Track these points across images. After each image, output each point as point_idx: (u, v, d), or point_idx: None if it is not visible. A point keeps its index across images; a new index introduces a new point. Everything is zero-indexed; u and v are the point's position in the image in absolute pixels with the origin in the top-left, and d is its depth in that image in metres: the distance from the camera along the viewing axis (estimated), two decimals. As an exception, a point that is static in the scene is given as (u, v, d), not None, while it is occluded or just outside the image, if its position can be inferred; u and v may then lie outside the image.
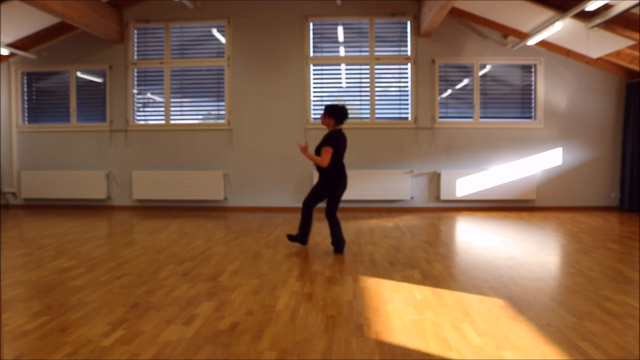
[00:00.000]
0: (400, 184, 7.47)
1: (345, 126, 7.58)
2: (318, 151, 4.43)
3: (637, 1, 4.84)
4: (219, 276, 3.71)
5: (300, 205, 7.65)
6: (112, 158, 7.90)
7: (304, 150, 4.41)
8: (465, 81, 7.59)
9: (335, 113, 4.37)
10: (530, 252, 4.52)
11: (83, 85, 8.01)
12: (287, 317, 2.80)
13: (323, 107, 4.47)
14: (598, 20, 5.56)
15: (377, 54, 7.60)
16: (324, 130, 7.61)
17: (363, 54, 7.63)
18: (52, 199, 8.00)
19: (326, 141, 4.34)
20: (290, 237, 4.75)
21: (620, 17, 5.70)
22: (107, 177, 7.89)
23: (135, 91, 7.91)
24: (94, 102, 7.99)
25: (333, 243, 4.53)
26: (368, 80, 7.61)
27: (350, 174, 7.47)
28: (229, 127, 7.72)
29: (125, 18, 7.81)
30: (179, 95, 7.87)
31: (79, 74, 7.98)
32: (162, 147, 7.82)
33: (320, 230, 5.76)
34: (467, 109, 7.58)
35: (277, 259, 4.27)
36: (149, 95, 7.97)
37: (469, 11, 7.16)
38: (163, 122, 7.86)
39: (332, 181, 4.40)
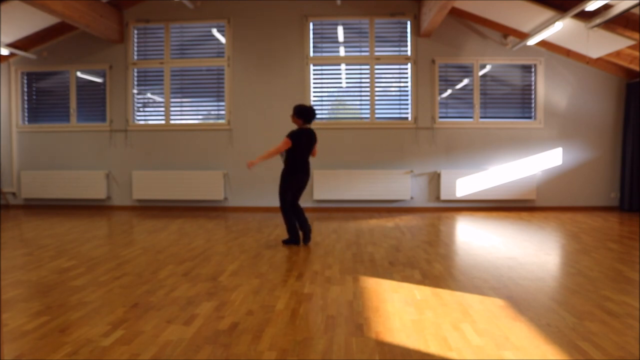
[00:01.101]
0: (400, 184, 7.47)
1: (345, 126, 7.59)
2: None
3: (637, 1, 4.84)
4: (219, 276, 3.71)
5: (301, 205, 7.65)
6: (112, 158, 7.90)
7: (251, 163, 4.65)
8: (465, 81, 7.59)
9: (301, 113, 4.71)
10: (530, 252, 4.52)
11: (83, 85, 8.01)
12: (287, 317, 2.80)
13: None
14: (598, 20, 5.56)
15: (377, 54, 7.60)
16: (323, 130, 7.62)
17: (363, 54, 7.63)
18: (52, 199, 8.00)
19: (288, 135, 4.67)
20: (285, 242, 4.94)
21: (620, 17, 5.70)
22: (107, 177, 7.89)
23: (135, 91, 7.92)
24: (94, 102, 7.99)
25: (301, 229, 4.83)
26: (368, 80, 7.61)
27: (350, 174, 7.49)
28: (229, 127, 7.72)
29: (125, 18, 7.81)
30: (179, 95, 7.87)
31: (79, 74, 7.99)
32: (162, 147, 7.82)
33: (320, 230, 5.76)
34: (467, 109, 7.58)
35: (277, 259, 4.28)
36: (149, 95, 7.97)
37: (469, 11, 7.16)
38: (163, 122, 7.86)
39: (292, 172, 4.70)
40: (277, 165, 7.67)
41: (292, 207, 4.83)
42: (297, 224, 4.84)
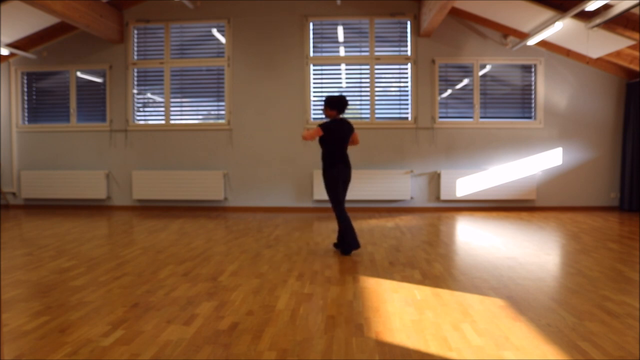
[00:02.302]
0: (400, 184, 7.47)
1: (345, 126, 7.57)
2: (320, 141, 4.51)
3: (637, 1, 4.84)
4: (219, 276, 3.71)
5: (301, 205, 7.66)
6: (112, 158, 7.90)
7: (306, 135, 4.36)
8: (465, 81, 7.59)
9: (333, 104, 4.46)
10: (530, 252, 4.52)
11: (83, 85, 8.01)
12: (287, 317, 2.80)
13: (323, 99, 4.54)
14: (598, 20, 5.56)
15: (377, 54, 7.60)
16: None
17: (363, 54, 7.63)
18: (52, 199, 8.00)
19: (320, 125, 4.45)
20: (342, 250, 4.50)
21: (620, 17, 5.70)
22: (107, 177, 7.89)
23: (135, 91, 7.91)
24: (94, 102, 7.99)
25: (338, 240, 4.53)
26: (368, 80, 7.61)
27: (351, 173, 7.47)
28: (229, 127, 7.72)
29: (125, 18, 7.81)
30: (179, 95, 7.87)
31: (79, 74, 7.98)
32: (162, 147, 7.82)
33: (320, 230, 5.76)
34: (467, 109, 7.58)
35: (277, 259, 4.28)
36: (149, 95, 7.97)
37: (469, 11, 7.16)
38: (163, 122, 7.86)
39: (330, 165, 4.42)
40: (277, 165, 7.68)
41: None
42: (351, 226, 4.43)
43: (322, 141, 4.46)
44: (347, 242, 4.42)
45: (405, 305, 3.01)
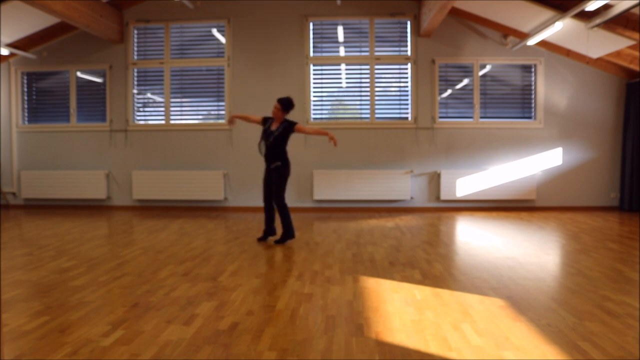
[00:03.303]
0: (400, 184, 7.47)
1: (345, 126, 7.58)
2: (278, 140, 4.81)
3: (637, 1, 4.84)
4: (219, 276, 3.71)
5: (301, 205, 7.65)
6: (112, 158, 7.90)
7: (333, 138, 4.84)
8: (465, 81, 7.59)
9: (289, 106, 4.88)
10: (530, 252, 4.52)
11: (83, 85, 8.01)
12: (287, 317, 2.80)
13: (277, 100, 4.92)
14: (598, 20, 5.56)
15: (377, 54, 7.60)
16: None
17: (363, 54, 7.63)
18: (52, 199, 8.00)
19: (293, 122, 4.88)
20: (278, 241, 4.96)
21: (620, 17, 5.70)
22: (107, 177, 7.89)
23: (135, 91, 7.91)
24: (94, 102, 7.98)
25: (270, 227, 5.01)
26: (368, 80, 7.61)
27: (350, 174, 7.49)
28: (229, 127, 7.71)
29: (125, 18, 7.81)
30: (179, 95, 7.87)
31: (79, 74, 7.98)
32: (162, 147, 7.82)
33: (320, 230, 5.76)
34: (467, 109, 7.58)
35: (277, 259, 4.28)
36: (149, 95, 7.97)
37: (469, 11, 7.16)
38: (163, 122, 7.86)
39: (287, 165, 4.86)
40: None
41: (278, 202, 4.89)
42: (290, 218, 4.94)
43: (287, 138, 4.84)
44: (287, 232, 4.89)
45: (405, 305, 3.01)
